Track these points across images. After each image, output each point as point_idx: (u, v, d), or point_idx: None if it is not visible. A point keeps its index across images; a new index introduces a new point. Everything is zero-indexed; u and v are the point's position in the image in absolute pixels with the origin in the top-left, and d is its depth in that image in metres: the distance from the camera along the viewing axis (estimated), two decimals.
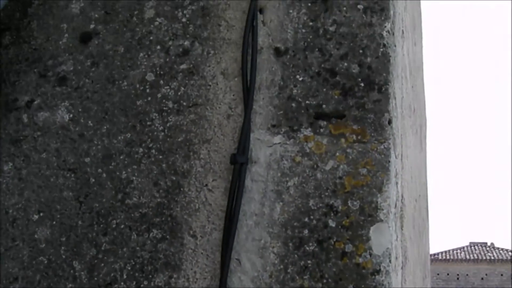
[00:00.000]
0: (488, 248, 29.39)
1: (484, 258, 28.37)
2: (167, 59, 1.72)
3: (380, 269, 1.40)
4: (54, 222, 1.67)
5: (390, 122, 1.53)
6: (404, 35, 1.99)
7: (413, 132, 2.41)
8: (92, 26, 1.85)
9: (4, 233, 1.71)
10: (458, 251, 29.19)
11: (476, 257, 28.41)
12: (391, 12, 1.64)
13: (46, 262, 1.64)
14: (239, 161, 1.50)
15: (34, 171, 1.73)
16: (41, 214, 1.69)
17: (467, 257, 28.55)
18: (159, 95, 1.69)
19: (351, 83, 1.56)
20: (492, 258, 28.41)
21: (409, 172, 2.11)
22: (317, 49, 1.62)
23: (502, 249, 29.25)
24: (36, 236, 1.68)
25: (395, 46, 1.65)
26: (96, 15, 1.86)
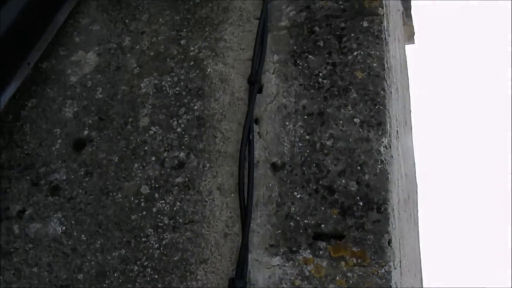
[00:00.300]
0: None
1: None
2: (162, 172, 1.70)
3: None
4: None
5: (390, 242, 1.52)
6: (399, 134, 1.99)
7: (407, 220, 2.40)
8: (85, 132, 1.83)
9: None
10: None
11: None
12: (388, 125, 1.64)
13: None
14: (238, 286, 1.47)
15: (25, 286, 1.68)
16: None
17: None
18: (154, 210, 1.66)
19: (349, 202, 1.55)
20: None
21: (407, 267, 2.09)
22: (314, 165, 1.61)
23: None
24: None
25: (391, 157, 1.65)
26: (90, 121, 1.84)
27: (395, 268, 1.60)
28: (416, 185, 3.64)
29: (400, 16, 3.57)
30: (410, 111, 3.45)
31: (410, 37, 4.24)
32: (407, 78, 3.56)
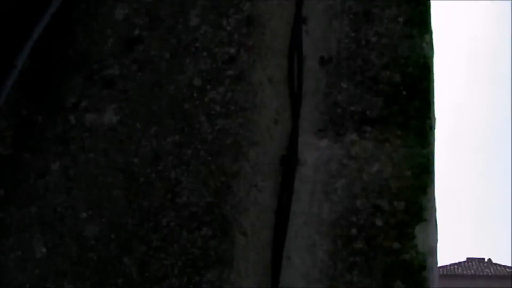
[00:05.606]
0: (485, 264, 29.00)
1: (482, 274, 27.94)
2: (214, 65, 1.79)
3: (426, 266, 1.48)
4: (103, 220, 1.73)
5: (431, 128, 1.62)
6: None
7: None
8: (136, 32, 1.92)
9: (51, 230, 1.76)
10: (456, 266, 28.71)
11: (473, 273, 27.96)
12: (430, 24, 1.73)
13: (95, 258, 1.70)
14: (289, 162, 1.58)
15: (82, 170, 1.79)
16: (90, 212, 1.74)
17: (464, 272, 28.09)
18: (206, 99, 1.76)
19: (393, 91, 1.65)
20: (490, 274, 27.99)
21: None
22: (360, 59, 1.71)
23: (500, 265, 28.88)
24: (84, 233, 1.73)
25: (432, 52, 1.74)
26: (141, 22, 1.93)
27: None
28: None
29: None
30: None
31: None
32: None
